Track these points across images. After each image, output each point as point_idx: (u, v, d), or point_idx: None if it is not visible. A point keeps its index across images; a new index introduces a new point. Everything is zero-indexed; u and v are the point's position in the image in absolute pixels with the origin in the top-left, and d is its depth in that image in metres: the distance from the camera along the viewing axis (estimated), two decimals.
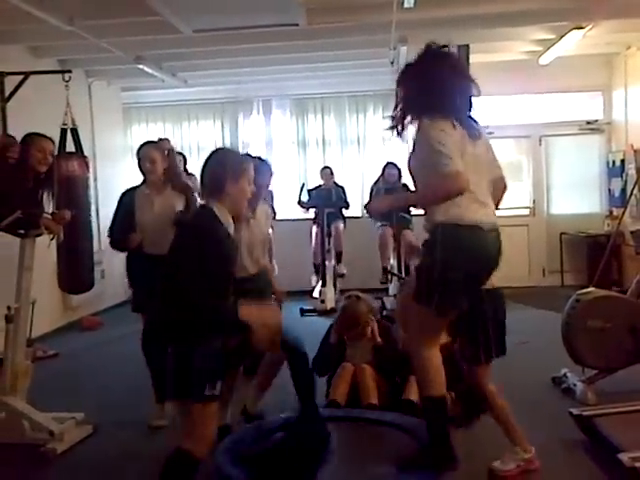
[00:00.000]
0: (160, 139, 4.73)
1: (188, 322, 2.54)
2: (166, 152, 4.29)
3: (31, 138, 4.15)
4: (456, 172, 2.76)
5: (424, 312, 2.87)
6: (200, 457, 2.59)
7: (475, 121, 3.01)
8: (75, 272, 4.78)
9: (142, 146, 4.26)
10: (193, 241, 2.65)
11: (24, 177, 4.06)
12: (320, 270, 8.09)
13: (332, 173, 8.63)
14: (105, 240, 5.06)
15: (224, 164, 2.79)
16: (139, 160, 4.21)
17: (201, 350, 2.54)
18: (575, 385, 4.33)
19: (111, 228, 4.26)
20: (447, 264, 2.80)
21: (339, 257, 8.48)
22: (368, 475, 3.08)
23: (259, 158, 4.06)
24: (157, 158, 4.17)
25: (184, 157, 6.76)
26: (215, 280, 2.61)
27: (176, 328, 2.60)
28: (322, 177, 8.56)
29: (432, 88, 2.91)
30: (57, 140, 4.91)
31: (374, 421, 3.72)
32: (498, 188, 3.10)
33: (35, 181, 4.13)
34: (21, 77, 6.07)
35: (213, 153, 2.89)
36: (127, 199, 4.23)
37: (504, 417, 3.15)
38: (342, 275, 8.41)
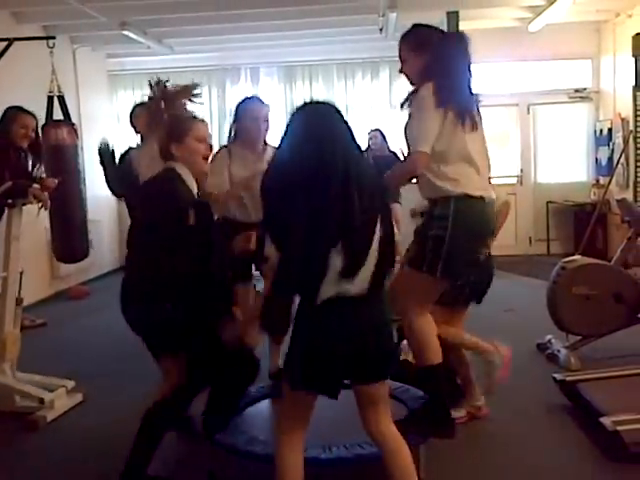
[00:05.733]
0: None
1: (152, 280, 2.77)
2: None
3: (13, 113, 4.15)
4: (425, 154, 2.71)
5: (420, 279, 2.80)
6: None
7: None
8: (69, 241, 4.74)
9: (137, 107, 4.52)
10: (154, 201, 2.73)
11: (6, 152, 4.07)
12: None
13: None
14: (93, 209, 5.04)
15: (165, 128, 2.84)
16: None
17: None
18: (559, 351, 4.40)
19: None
20: (459, 236, 2.73)
21: None
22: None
23: (247, 97, 4.16)
24: None
25: None
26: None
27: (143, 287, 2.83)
28: None
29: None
30: (44, 108, 4.85)
31: None
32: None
33: (19, 155, 4.12)
34: (4, 44, 5.96)
35: None
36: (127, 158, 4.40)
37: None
38: None
